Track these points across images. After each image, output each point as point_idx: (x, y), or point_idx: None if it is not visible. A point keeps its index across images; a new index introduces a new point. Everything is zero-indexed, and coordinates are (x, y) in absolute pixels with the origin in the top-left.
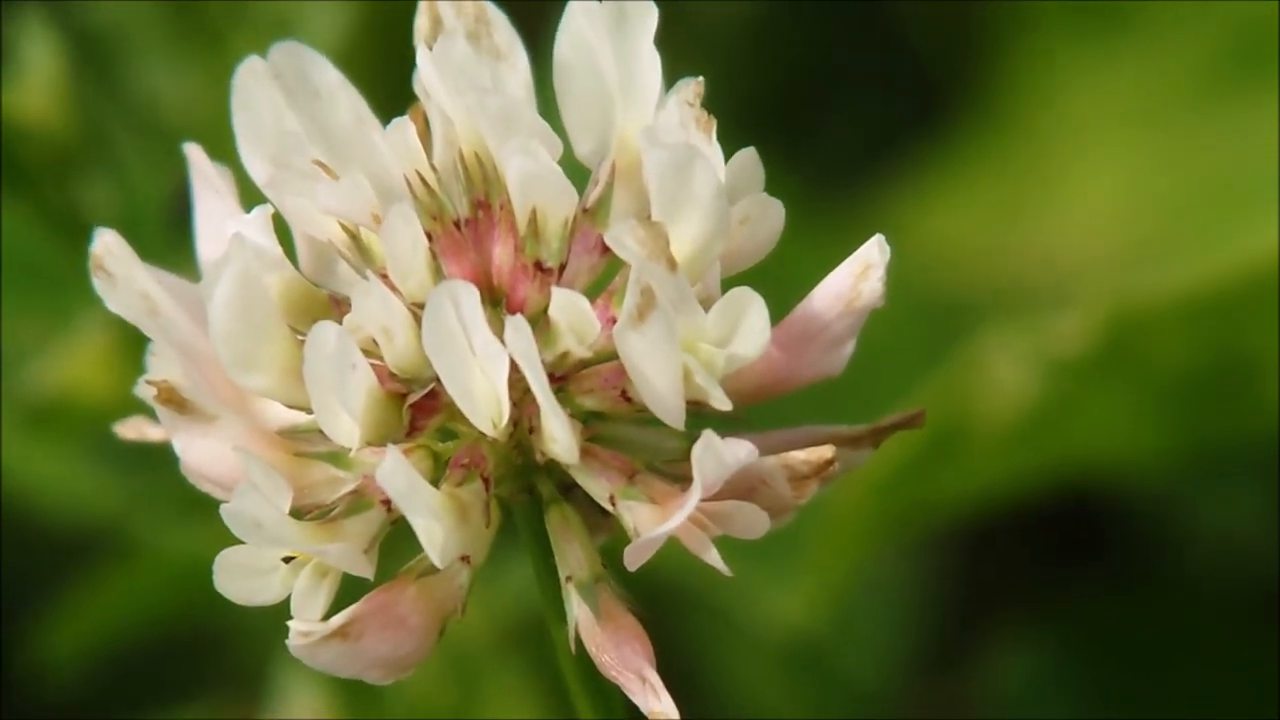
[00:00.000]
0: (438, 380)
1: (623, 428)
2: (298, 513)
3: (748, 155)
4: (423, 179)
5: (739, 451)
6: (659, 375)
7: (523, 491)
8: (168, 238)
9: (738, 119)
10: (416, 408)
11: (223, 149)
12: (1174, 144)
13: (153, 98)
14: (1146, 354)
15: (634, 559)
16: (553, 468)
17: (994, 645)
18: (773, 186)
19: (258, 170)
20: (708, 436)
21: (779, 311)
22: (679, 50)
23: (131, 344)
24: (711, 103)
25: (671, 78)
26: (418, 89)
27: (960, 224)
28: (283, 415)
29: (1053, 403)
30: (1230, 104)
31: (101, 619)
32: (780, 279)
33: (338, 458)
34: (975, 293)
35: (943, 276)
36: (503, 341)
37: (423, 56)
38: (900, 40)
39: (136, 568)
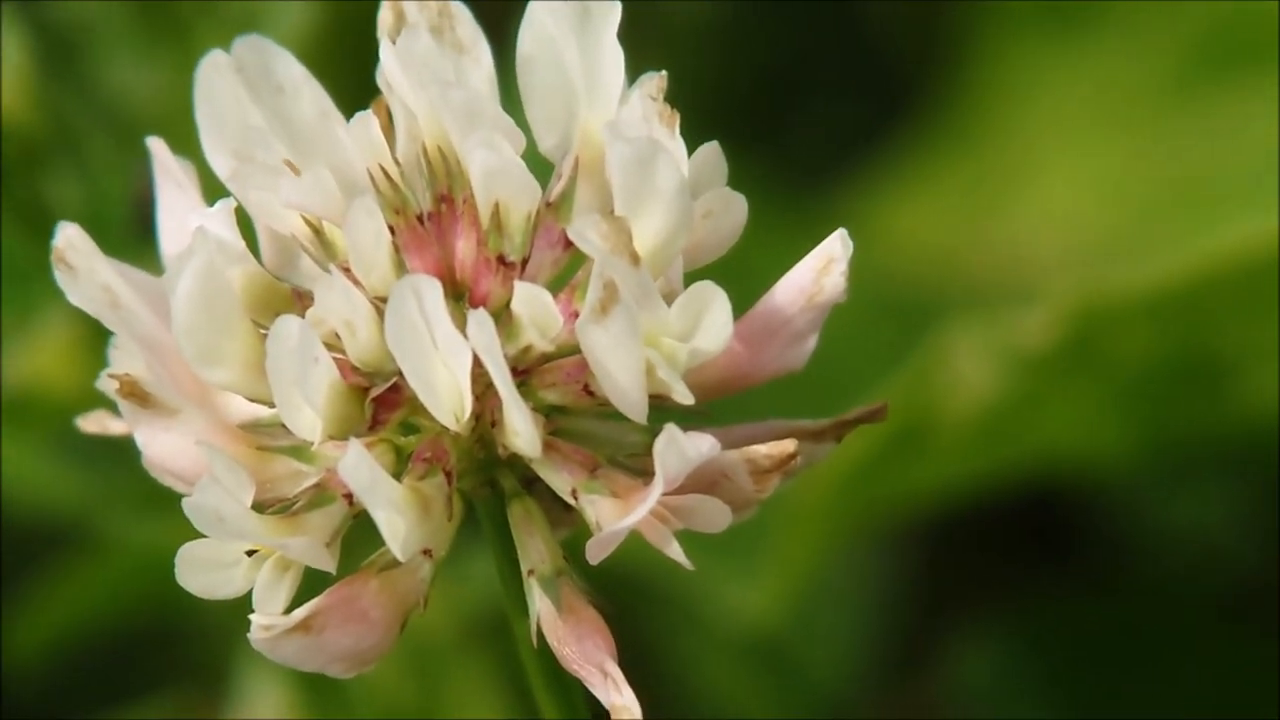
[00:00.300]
0: (400, 374)
1: (585, 421)
2: (260, 506)
3: (711, 150)
4: (386, 173)
5: (701, 445)
6: (621, 369)
7: (485, 485)
8: (133, 232)
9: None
10: (379, 401)
11: (188, 143)
12: (1140, 143)
13: (119, 93)
14: (1111, 350)
15: (596, 553)
16: (515, 462)
17: (957, 642)
18: (738, 183)
19: (221, 164)
20: (670, 430)
21: (743, 307)
22: (646, 49)
23: (96, 338)
24: (677, 100)
25: (637, 76)
26: (381, 83)
27: (927, 221)
28: (245, 409)
29: (1017, 398)
30: (1196, 103)
31: (66, 613)
32: (745, 274)
33: (300, 451)
34: (942, 289)
35: (910, 273)
36: (465, 335)
37: (386, 50)
38: (868, 39)
39: (101, 562)
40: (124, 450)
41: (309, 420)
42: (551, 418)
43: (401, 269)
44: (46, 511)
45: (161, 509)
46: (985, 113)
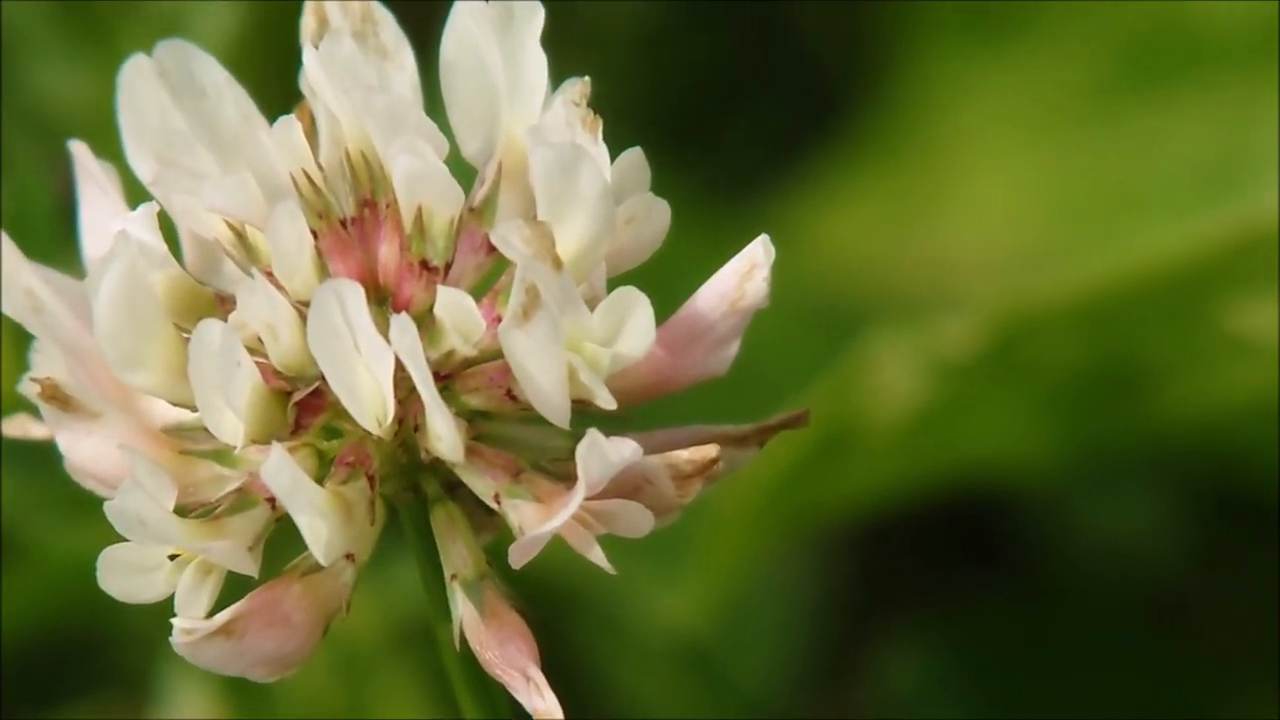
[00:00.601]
0: (323, 378)
1: (508, 426)
2: (182, 510)
3: (634, 155)
4: (309, 177)
5: (623, 450)
6: (544, 374)
7: (408, 490)
8: (55, 235)
9: (631, 124)
10: (302, 406)
11: (112, 147)
12: (1066, 150)
13: (42, 95)
14: (1035, 357)
15: (518, 557)
16: (438, 466)
17: (884, 648)
18: (665, 190)
19: (144, 168)
20: (592, 435)
21: (667, 312)
22: (572, 54)
23: (18, 341)
24: (604, 106)
25: (563, 80)
26: (304, 88)
27: (855, 229)
28: (168, 413)
29: (941, 405)
30: (1120, 111)
31: None
32: (669, 281)
33: (223, 455)
34: (868, 297)
35: (837, 281)
36: (388, 340)
37: (309, 55)
38: (797, 46)
39: (24, 567)
40: (48, 454)
41: (231, 424)
42: (474, 422)
43: (324, 273)
44: None
45: (86, 514)
46: (912, 120)
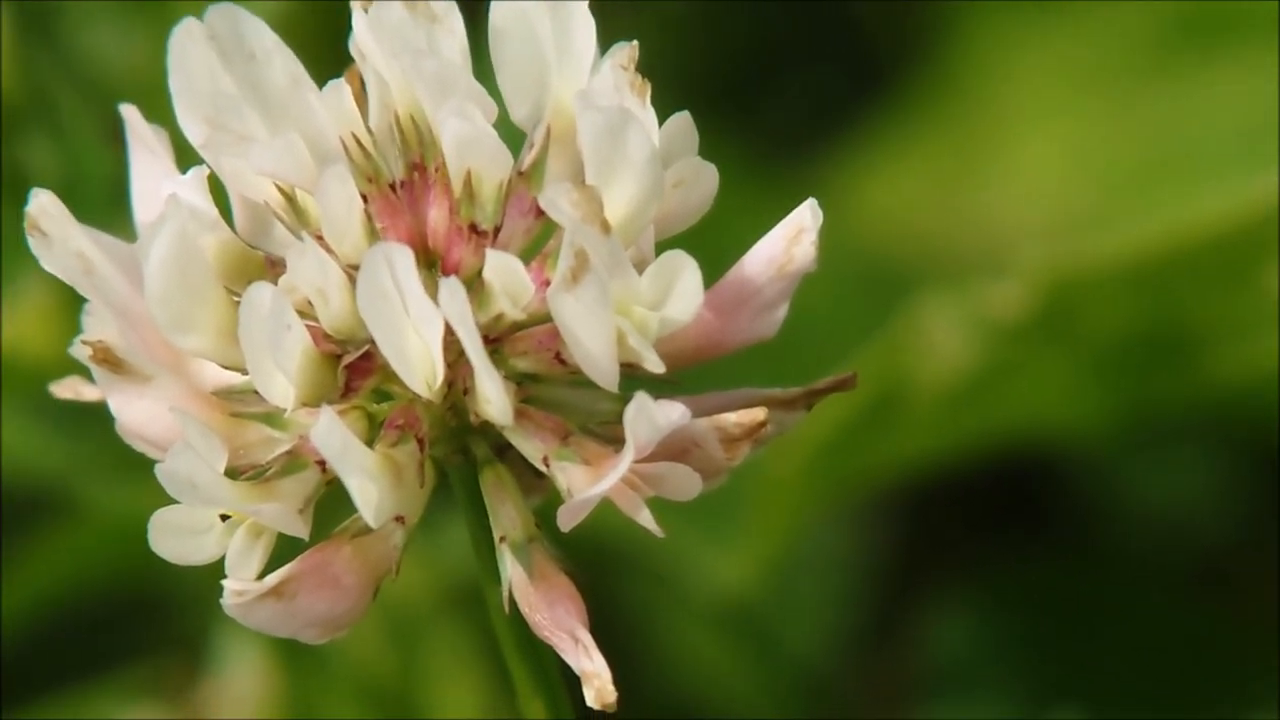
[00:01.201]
0: (372, 342)
1: (556, 390)
2: (233, 473)
3: (682, 119)
4: (358, 141)
5: (671, 413)
6: (592, 338)
7: (457, 453)
8: (109, 199)
9: (679, 87)
10: (351, 369)
11: (164, 111)
12: (1117, 113)
13: (95, 59)
14: (1084, 321)
15: (567, 520)
16: (487, 429)
17: (932, 611)
18: (713, 154)
19: (194, 132)
20: (640, 399)
21: (714, 276)
22: (620, 18)
23: (71, 303)
24: (652, 70)
25: (610, 46)
26: (354, 51)
27: (903, 193)
28: (218, 376)
29: (990, 368)
30: (1171, 74)
31: (42, 580)
32: (718, 244)
33: (273, 418)
34: (916, 260)
35: (884, 244)
36: (437, 304)
37: (358, 19)
38: (845, 8)
39: (78, 528)
40: (100, 416)
41: (282, 387)
42: (523, 385)
43: (374, 237)
44: (25, 477)
45: (138, 475)
46: (959, 84)
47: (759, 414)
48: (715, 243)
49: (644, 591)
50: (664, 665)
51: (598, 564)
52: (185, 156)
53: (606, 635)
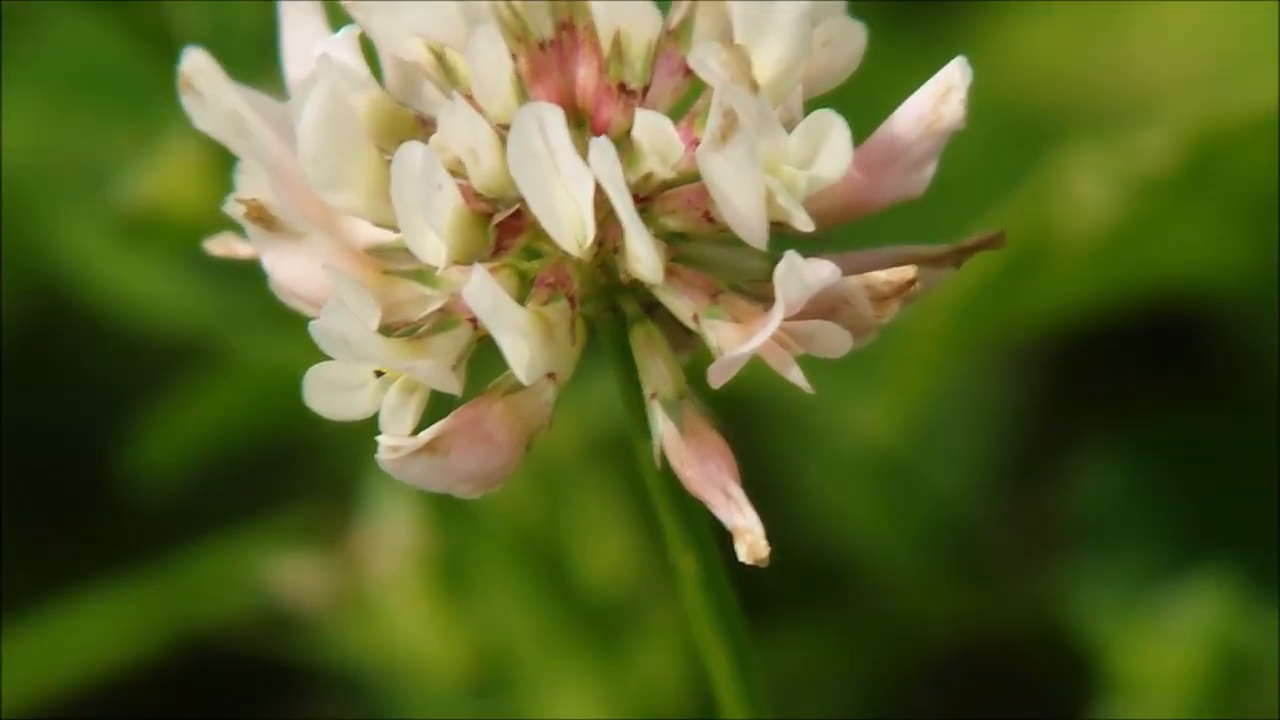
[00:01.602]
0: (523, 201)
1: (706, 248)
2: (386, 330)
3: None
4: (508, 1)
5: (821, 271)
6: (741, 196)
7: (607, 310)
8: (256, 56)
9: None
10: (502, 227)
11: None
12: None
13: None
14: (1233, 172)
15: (718, 377)
16: (637, 287)
17: (1078, 460)
18: (854, 8)
19: None
20: (790, 257)
21: (861, 134)
22: None
23: (222, 159)
24: None
25: None
26: None
27: (1045, 43)
28: (370, 234)
29: (1136, 221)
30: None
31: (195, 429)
32: (862, 101)
33: (425, 276)
34: (1061, 110)
35: (1030, 94)
36: (587, 163)
37: None
38: None
39: (229, 379)
40: (252, 271)
41: (433, 245)
42: (672, 244)
43: (523, 96)
44: (177, 329)
45: (290, 329)
46: None
47: (908, 272)
48: (862, 99)
49: (789, 445)
50: (810, 518)
51: (744, 418)
52: (335, 17)
53: (754, 489)
